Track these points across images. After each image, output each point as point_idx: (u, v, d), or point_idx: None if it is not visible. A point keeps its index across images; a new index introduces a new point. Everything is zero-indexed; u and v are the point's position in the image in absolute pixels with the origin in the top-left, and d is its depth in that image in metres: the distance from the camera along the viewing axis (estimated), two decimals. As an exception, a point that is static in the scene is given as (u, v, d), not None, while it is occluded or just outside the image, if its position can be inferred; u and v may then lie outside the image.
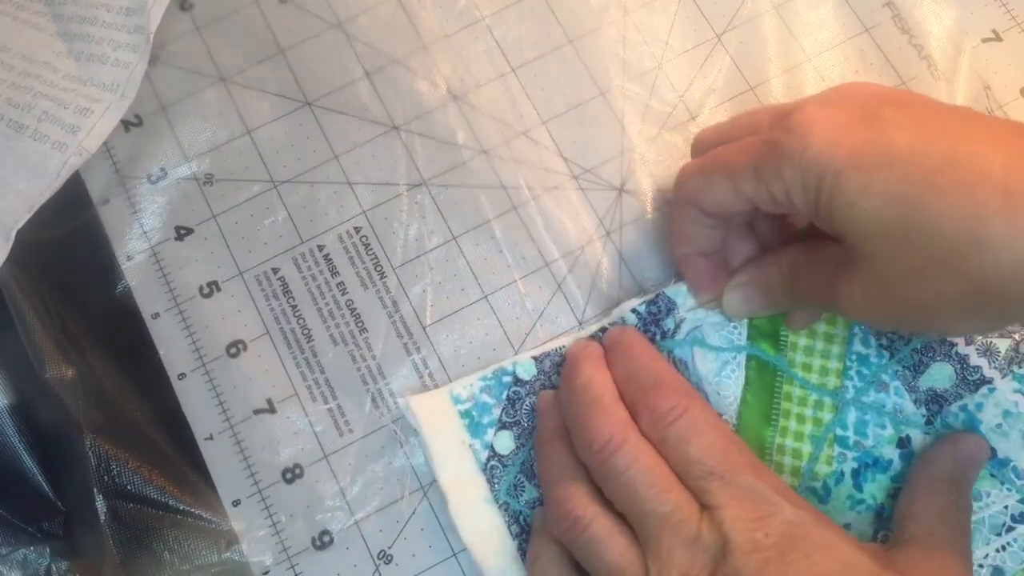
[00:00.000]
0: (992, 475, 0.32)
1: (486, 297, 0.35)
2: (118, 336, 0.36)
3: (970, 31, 0.38)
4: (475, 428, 0.33)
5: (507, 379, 0.34)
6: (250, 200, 0.36)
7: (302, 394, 0.34)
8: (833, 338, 0.33)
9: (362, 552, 0.33)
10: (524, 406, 0.33)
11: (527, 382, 0.34)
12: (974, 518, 0.32)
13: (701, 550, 0.27)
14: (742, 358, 0.33)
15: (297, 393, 0.34)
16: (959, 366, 0.33)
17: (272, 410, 0.34)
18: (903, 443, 0.33)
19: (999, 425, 0.32)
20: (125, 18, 0.36)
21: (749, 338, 0.34)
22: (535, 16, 0.38)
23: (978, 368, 0.33)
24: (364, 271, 0.36)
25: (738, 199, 0.29)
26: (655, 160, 0.37)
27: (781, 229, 0.33)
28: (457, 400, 0.33)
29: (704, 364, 0.33)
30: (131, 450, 0.34)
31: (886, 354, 0.33)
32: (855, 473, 0.32)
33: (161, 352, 0.35)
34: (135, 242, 0.36)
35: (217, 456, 0.34)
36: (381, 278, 0.36)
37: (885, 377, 0.33)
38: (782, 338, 0.34)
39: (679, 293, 0.33)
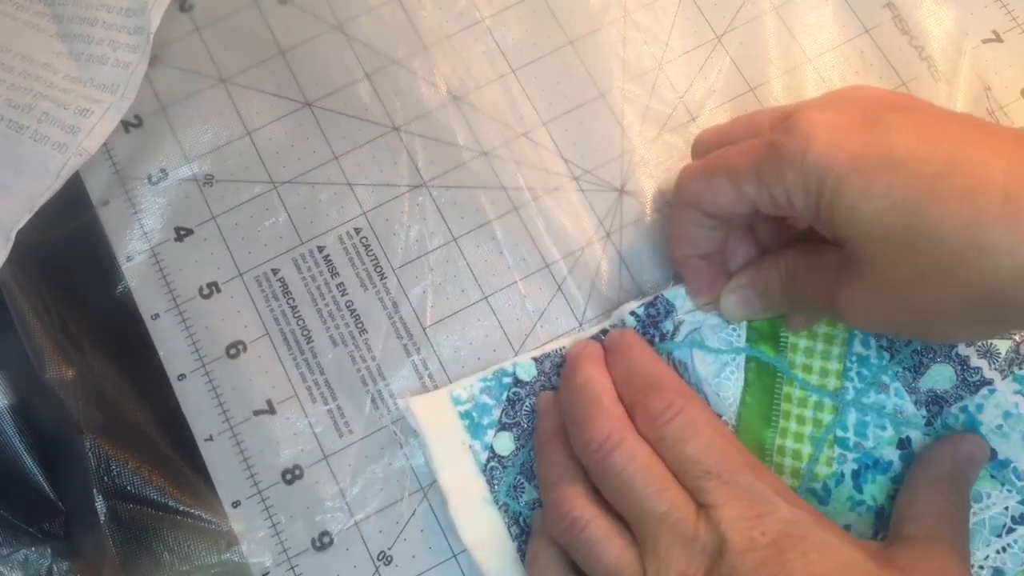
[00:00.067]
0: (992, 476, 0.32)
1: (486, 298, 0.35)
2: (118, 337, 0.36)
3: (970, 32, 0.38)
4: (475, 429, 0.33)
5: (507, 380, 0.34)
6: (250, 201, 0.36)
7: (302, 395, 0.34)
8: (833, 339, 0.33)
9: (362, 553, 0.33)
10: (524, 407, 0.33)
11: (527, 383, 0.34)
12: (974, 519, 0.32)
13: (698, 549, 0.27)
14: (741, 360, 0.33)
15: (297, 394, 0.34)
16: (959, 367, 0.33)
17: (272, 411, 0.34)
18: (903, 444, 0.33)
19: (999, 426, 0.32)
20: (125, 19, 0.36)
21: (748, 340, 0.34)
22: (535, 17, 0.38)
23: (978, 369, 0.33)
24: (364, 272, 0.36)
25: (739, 201, 0.29)
26: (655, 161, 0.37)
27: (781, 231, 0.33)
28: (457, 401, 0.33)
29: (703, 366, 0.33)
30: (131, 451, 0.34)
31: (886, 355, 0.33)
32: (855, 474, 0.32)
33: (161, 353, 0.35)
34: (135, 243, 0.36)
35: (217, 457, 0.34)
36: (381, 279, 0.36)
37: (885, 378, 0.33)
38: (782, 339, 0.34)
39: (677, 295, 0.33)
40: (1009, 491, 0.32)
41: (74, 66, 0.36)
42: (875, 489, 0.32)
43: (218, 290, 0.36)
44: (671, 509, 0.27)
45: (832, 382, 0.33)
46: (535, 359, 0.34)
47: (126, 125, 0.37)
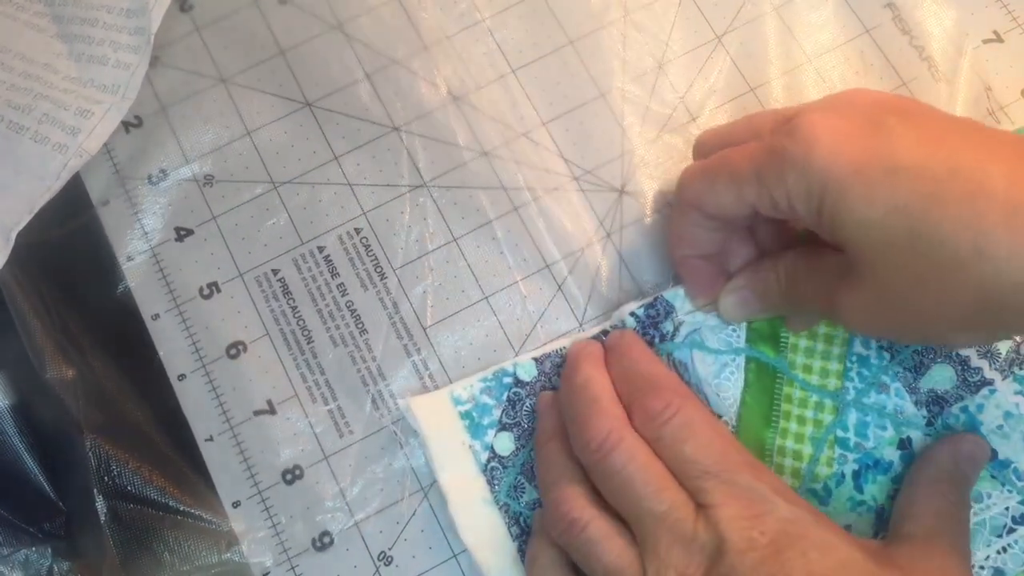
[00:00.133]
0: (993, 477, 0.32)
1: (487, 298, 0.35)
2: (118, 337, 0.36)
3: (971, 32, 0.38)
4: (475, 429, 0.33)
5: (507, 380, 0.34)
6: (250, 201, 0.36)
7: (302, 395, 0.34)
8: (833, 339, 0.33)
9: (362, 553, 0.33)
10: (524, 407, 0.33)
11: (527, 383, 0.34)
12: (975, 520, 0.32)
13: (697, 549, 0.27)
14: (741, 360, 0.33)
15: (297, 394, 0.34)
16: (960, 368, 0.33)
17: (272, 411, 0.34)
18: (904, 444, 0.33)
19: (1000, 427, 0.32)
20: (126, 19, 0.36)
21: (748, 340, 0.34)
22: (535, 17, 0.38)
23: (979, 370, 0.33)
24: (364, 272, 0.36)
25: (740, 203, 0.29)
26: (655, 162, 0.37)
27: (781, 233, 0.33)
28: (457, 401, 0.33)
29: (703, 366, 0.33)
30: (131, 451, 0.34)
31: (887, 355, 0.33)
32: (856, 475, 0.32)
33: (161, 353, 0.35)
34: (135, 243, 0.36)
35: (217, 457, 0.34)
36: (381, 279, 0.36)
37: (886, 378, 0.33)
38: (782, 340, 0.34)
39: (677, 296, 0.33)
40: (1010, 491, 0.32)
41: (74, 67, 0.36)
42: (876, 489, 0.32)
43: (218, 290, 0.36)
44: (670, 509, 0.27)
45: (832, 382, 0.33)
46: (535, 359, 0.34)
47: (126, 125, 0.37)
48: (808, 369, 0.33)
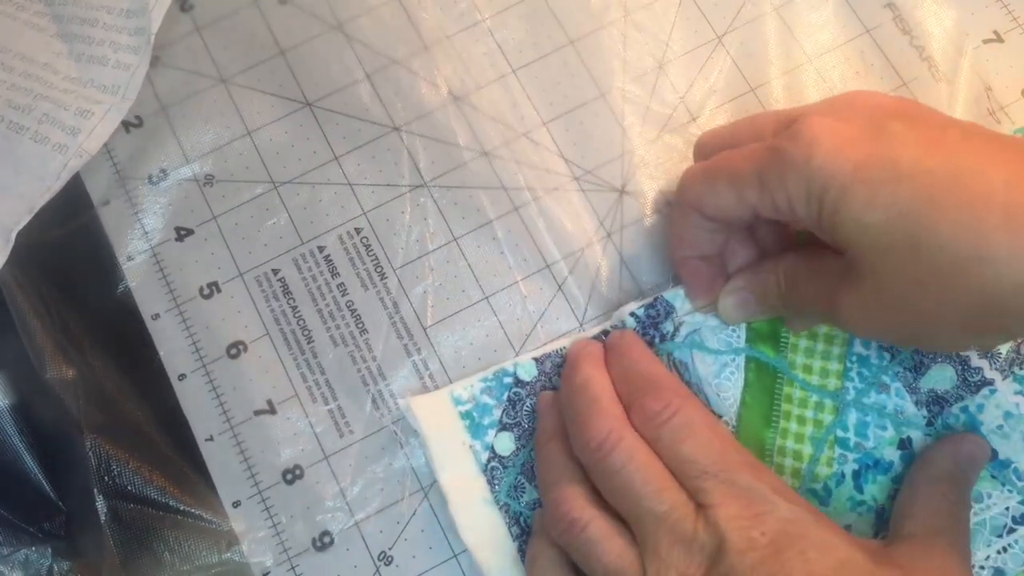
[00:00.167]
0: (993, 477, 0.32)
1: (487, 298, 0.35)
2: (118, 337, 0.36)
3: (971, 32, 0.38)
4: (475, 429, 0.33)
5: (508, 380, 0.34)
6: (251, 201, 0.36)
7: (302, 395, 0.34)
8: (834, 339, 0.33)
9: (362, 553, 0.33)
10: (525, 407, 0.33)
11: (528, 383, 0.34)
12: (975, 520, 0.32)
13: (697, 549, 0.27)
14: (741, 360, 0.33)
15: (297, 394, 0.34)
16: (960, 367, 0.33)
17: (272, 411, 0.34)
18: (904, 444, 0.33)
19: (1000, 427, 0.32)
20: (126, 20, 0.36)
21: (748, 340, 0.34)
22: (536, 17, 0.38)
23: (979, 369, 0.33)
24: (365, 272, 0.36)
25: (740, 205, 0.29)
26: (655, 162, 0.37)
27: (781, 234, 0.33)
28: (458, 401, 0.33)
29: (703, 366, 0.33)
30: (131, 451, 0.34)
31: (887, 355, 0.33)
32: (856, 475, 0.32)
33: (161, 353, 0.35)
34: (135, 243, 0.36)
35: (217, 457, 0.34)
36: (382, 279, 0.36)
37: (886, 378, 0.33)
38: (782, 340, 0.34)
39: (677, 297, 0.33)
40: (1010, 491, 0.32)
41: (75, 67, 0.36)
42: (876, 489, 0.32)
43: (219, 290, 0.36)
44: (670, 509, 0.27)
45: (832, 382, 0.33)
46: (536, 359, 0.34)
47: (127, 125, 0.37)
48: (808, 369, 0.33)
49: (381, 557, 0.33)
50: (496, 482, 0.33)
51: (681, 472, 0.28)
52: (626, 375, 0.31)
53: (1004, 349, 0.33)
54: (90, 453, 0.33)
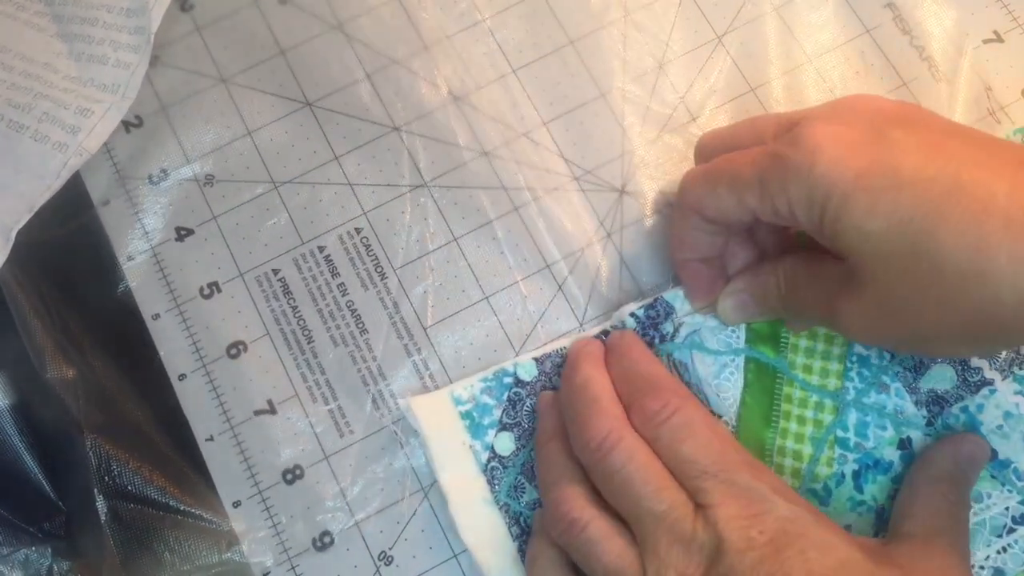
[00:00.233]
0: (993, 477, 0.32)
1: (487, 298, 0.35)
2: (119, 337, 0.36)
3: (971, 32, 0.38)
4: (476, 429, 0.33)
5: (508, 380, 0.34)
6: (251, 201, 0.36)
7: (303, 395, 0.34)
8: (834, 339, 0.33)
9: (363, 553, 0.33)
10: (525, 407, 0.33)
11: (528, 383, 0.34)
12: (975, 520, 0.32)
13: (696, 549, 0.27)
14: (740, 361, 0.33)
15: (298, 394, 0.34)
16: (960, 367, 0.33)
17: (273, 411, 0.34)
18: (904, 444, 0.33)
19: (1000, 427, 0.32)
20: (126, 19, 0.36)
21: (748, 341, 0.34)
22: (536, 17, 0.38)
23: (979, 369, 0.33)
24: (365, 272, 0.36)
25: (741, 209, 0.29)
26: (655, 163, 0.37)
27: (781, 236, 0.33)
28: (458, 401, 0.33)
29: (703, 367, 0.33)
30: (132, 450, 0.34)
31: (887, 355, 0.33)
32: (856, 475, 0.32)
33: (161, 353, 0.35)
34: (136, 243, 0.36)
35: (218, 457, 0.34)
36: (382, 279, 0.36)
37: (886, 378, 0.33)
38: (782, 340, 0.34)
39: (677, 297, 0.34)
40: (1010, 491, 0.32)
41: (74, 66, 0.36)
42: (876, 489, 0.32)
43: (219, 290, 0.36)
44: (669, 508, 0.27)
45: (832, 382, 0.33)
46: (536, 359, 0.34)
47: (127, 125, 0.37)
48: (808, 369, 0.33)
49: (381, 557, 0.33)
50: (496, 482, 0.33)
51: (681, 472, 0.28)
52: (626, 375, 0.31)
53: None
54: (90, 453, 0.33)
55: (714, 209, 0.30)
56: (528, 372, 0.34)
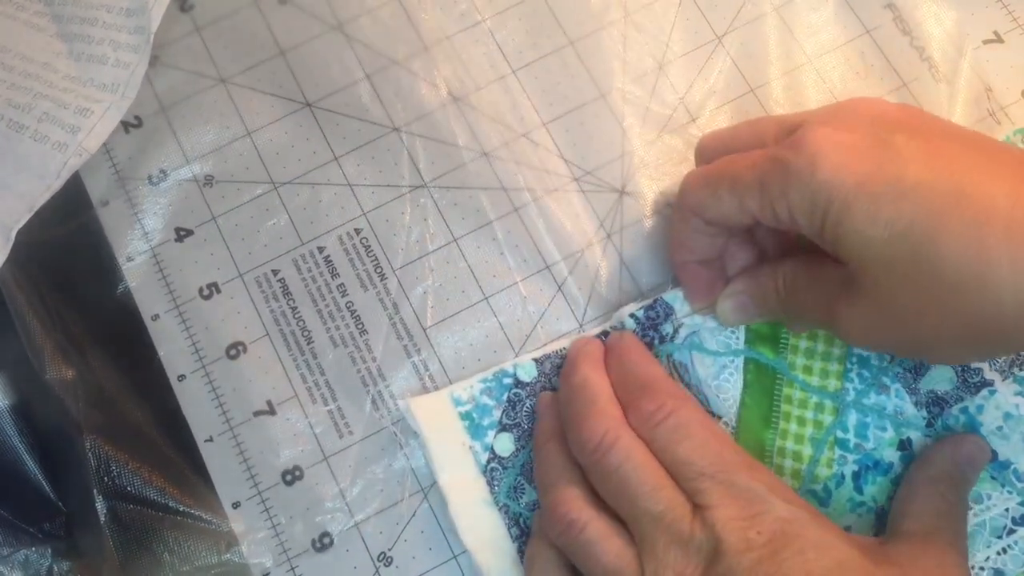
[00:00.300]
0: (993, 478, 0.32)
1: (487, 299, 0.35)
2: (118, 337, 0.36)
3: (971, 33, 0.38)
4: (475, 430, 0.33)
5: (508, 381, 0.34)
6: (250, 202, 0.36)
7: (302, 396, 0.34)
8: (834, 340, 0.33)
9: (362, 554, 0.33)
10: (524, 408, 0.33)
11: (528, 384, 0.34)
12: (975, 521, 0.32)
13: (694, 550, 0.27)
14: (740, 361, 0.33)
15: (297, 395, 0.34)
16: (960, 368, 0.33)
17: (272, 412, 0.34)
18: (904, 445, 0.33)
19: (1000, 428, 0.32)
20: (125, 19, 0.36)
21: (747, 342, 0.34)
22: (536, 18, 0.38)
23: (979, 371, 0.33)
24: (364, 273, 0.36)
25: (741, 212, 0.29)
26: (655, 163, 0.37)
27: (781, 237, 0.33)
28: (457, 402, 0.33)
29: (703, 368, 0.33)
30: (131, 451, 0.34)
31: (887, 356, 0.33)
32: (856, 475, 0.32)
33: (161, 353, 0.35)
34: (135, 243, 0.36)
35: (217, 458, 0.34)
36: (382, 280, 0.36)
37: (886, 379, 0.33)
38: (782, 340, 0.34)
39: (676, 298, 0.34)
40: (1009, 492, 0.32)
41: (74, 66, 0.36)
42: (875, 490, 0.32)
43: (218, 291, 0.36)
44: (667, 509, 0.27)
45: (832, 383, 0.33)
46: (536, 360, 0.34)
47: (126, 125, 0.37)
48: (808, 370, 0.33)
49: (381, 558, 0.33)
50: (496, 483, 0.33)
51: (678, 473, 0.28)
52: (624, 377, 0.31)
53: (1004, 350, 0.33)
54: (90, 454, 0.33)
55: (714, 212, 0.30)
56: (528, 373, 0.34)
